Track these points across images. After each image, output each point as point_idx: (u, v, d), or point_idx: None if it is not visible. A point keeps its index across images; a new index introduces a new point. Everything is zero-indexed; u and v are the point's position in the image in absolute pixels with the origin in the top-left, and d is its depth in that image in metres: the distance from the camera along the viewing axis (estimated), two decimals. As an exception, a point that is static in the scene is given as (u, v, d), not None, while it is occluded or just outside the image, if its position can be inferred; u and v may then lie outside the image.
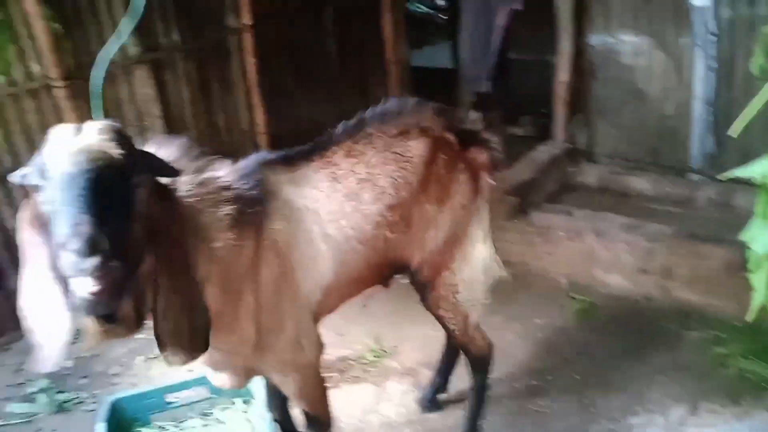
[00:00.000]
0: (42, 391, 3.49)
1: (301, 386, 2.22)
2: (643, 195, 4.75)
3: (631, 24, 4.96)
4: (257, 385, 2.64)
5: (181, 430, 2.72)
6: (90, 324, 1.34)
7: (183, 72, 4.82)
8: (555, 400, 3.12)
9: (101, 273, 1.20)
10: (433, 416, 3.07)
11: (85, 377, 3.62)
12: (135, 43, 4.39)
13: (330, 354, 3.54)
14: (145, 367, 3.66)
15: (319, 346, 2.27)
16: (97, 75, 3.26)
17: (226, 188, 1.87)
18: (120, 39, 3.12)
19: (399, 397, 3.20)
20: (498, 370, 3.30)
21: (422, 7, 10.48)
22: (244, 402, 2.81)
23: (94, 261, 1.19)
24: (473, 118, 2.58)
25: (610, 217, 3.97)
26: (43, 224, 1.39)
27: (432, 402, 3.10)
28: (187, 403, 2.75)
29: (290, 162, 2.15)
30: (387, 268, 2.44)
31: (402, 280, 2.63)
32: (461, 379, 3.03)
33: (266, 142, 5.43)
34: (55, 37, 3.84)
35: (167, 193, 1.60)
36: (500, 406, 3.09)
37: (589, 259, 3.96)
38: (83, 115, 4.05)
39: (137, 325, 1.48)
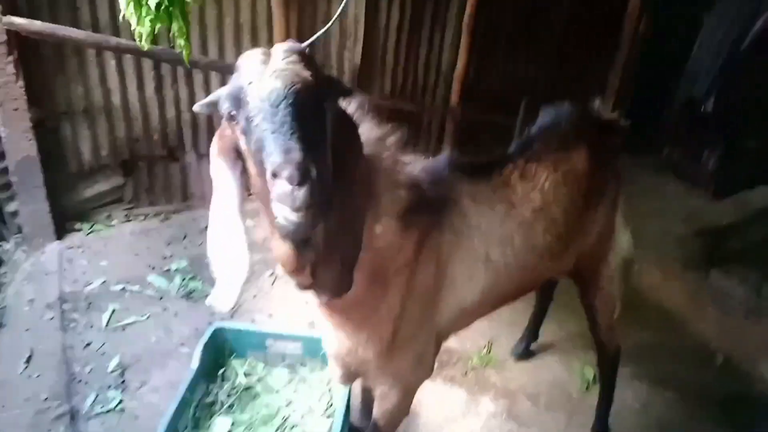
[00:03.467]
0: (178, 272, 3.81)
1: (397, 404, 2.14)
2: None
3: None
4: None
5: (268, 373, 2.83)
6: (287, 249, 1.36)
7: (399, -1, 4.67)
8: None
9: (309, 200, 1.18)
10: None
11: (219, 272, 3.90)
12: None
13: (438, 341, 3.48)
14: (269, 281, 3.83)
15: (431, 369, 2.17)
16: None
17: (411, 177, 1.77)
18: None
19: (486, 418, 3.03)
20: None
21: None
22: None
23: (305, 188, 1.17)
24: (598, 106, 2.46)
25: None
26: (233, 155, 1.41)
27: (525, 351, 3.39)
28: (281, 353, 2.84)
29: (473, 174, 2.07)
30: (536, 287, 2.55)
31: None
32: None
33: (459, 87, 5.19)
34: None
35: (352, 126, 1.52)
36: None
37: (760, 349, 3.37)
38: (289, 20, 4.15)
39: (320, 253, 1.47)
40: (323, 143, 1.31)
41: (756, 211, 4.21)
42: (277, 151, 1.18)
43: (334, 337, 1.97)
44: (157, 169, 4.46)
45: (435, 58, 5.18)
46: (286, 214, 1.20)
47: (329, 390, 2.79)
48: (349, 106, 1.63)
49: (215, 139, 1.44)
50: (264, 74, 1.27)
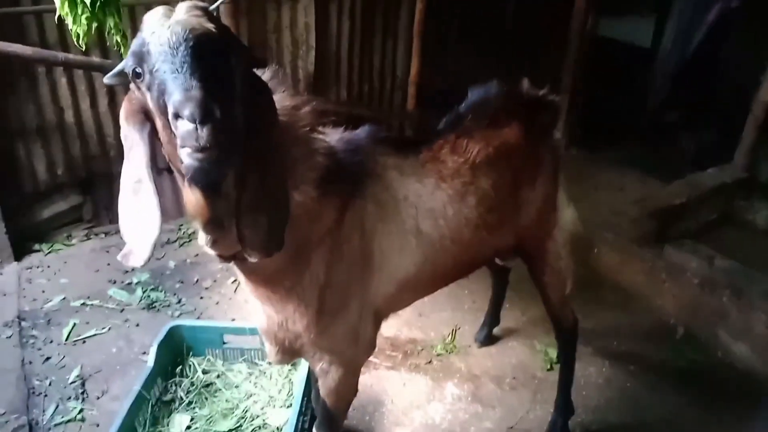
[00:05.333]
0: (140, 284, 3.81)
1: (340, 382, 2.10)
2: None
3: None
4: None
5: (228, 369, 2.82)
6: (197, 196, 1.33)
7: (348, 7, 4.76)
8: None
9: (213, 139, 1.18)
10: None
11: (180, 282, 3.88)
12: (306, -30, 4.40)
13: (401, 332, 3.49)
14: (232, 288, 3.83)
15: (372, 346, 2.16)
16: None
17: (327, 145, 1.78)
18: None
19: (451, 402, 3.04)
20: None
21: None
22: (292, 363, 2.83)
23: (208, 126, 1.18)
24: (527, 85, 2.46)
25: (757, 279, 3.36)
26: (141, 117, 1.41)
27: (488, 336, 3.45)
28: (239, 347, 2.83)
29: (400, 148, 2.10)
30: (477, 266, 2.50)
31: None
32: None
33: (415, 92, 5.28)
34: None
35: (266, 89, 1.51)
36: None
37: (717, 317, 3.43)
38: (239, 28, 4.19)
39: (234, 208, 1.46)
40: (230, 93, 1.31)
41: (706, 192, 4.31)
42: (177, 90, 1.19)
43: (263, 313, 1.96)
44: (116, 186, 4.39)
45: (389, 65, 5.28)
46: (190, 154, 1.20)
47: (290, 381, 2.78)
48: (263, 74, 1.62)
49: (124, 104, 1.44)
50: (165, 24, 1.29)
